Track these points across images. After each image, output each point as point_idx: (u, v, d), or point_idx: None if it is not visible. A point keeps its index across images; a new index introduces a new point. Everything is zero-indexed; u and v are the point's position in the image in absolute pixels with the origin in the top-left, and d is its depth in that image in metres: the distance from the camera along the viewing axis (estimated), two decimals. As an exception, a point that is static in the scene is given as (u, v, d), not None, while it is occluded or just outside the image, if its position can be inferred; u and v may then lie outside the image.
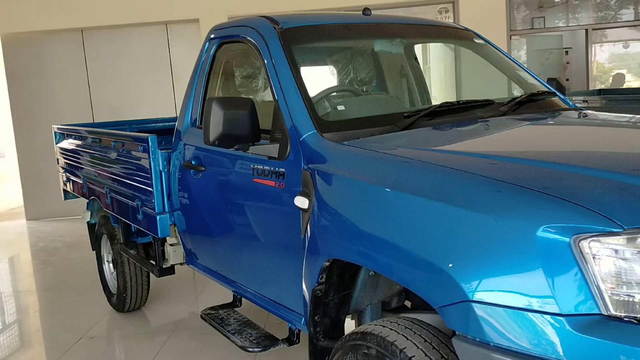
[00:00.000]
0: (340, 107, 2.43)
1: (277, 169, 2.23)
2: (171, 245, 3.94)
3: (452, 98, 3.14)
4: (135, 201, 3.48)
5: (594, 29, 8.79)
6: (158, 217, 3.22)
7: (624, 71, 9.45)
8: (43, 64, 9.03)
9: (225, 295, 4.59)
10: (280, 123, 2.24)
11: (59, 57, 9.02)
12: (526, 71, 3.00)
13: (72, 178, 4.85)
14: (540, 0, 9.02)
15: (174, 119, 6.12)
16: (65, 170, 5.08)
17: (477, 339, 1.38)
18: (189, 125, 3.08)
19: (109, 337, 4.07)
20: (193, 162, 2.91)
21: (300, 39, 2.55)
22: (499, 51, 3.08)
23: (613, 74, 9.24)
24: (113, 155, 3.79)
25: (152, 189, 3.20)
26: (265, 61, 2.45)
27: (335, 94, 2.62)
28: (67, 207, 7.06)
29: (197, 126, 2.98)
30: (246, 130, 2.18)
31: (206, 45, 3.09)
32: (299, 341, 2.50)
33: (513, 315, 1.33)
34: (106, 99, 9.12)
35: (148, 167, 3.21)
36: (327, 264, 1.92)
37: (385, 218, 1.65)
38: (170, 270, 3.63)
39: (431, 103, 3.54)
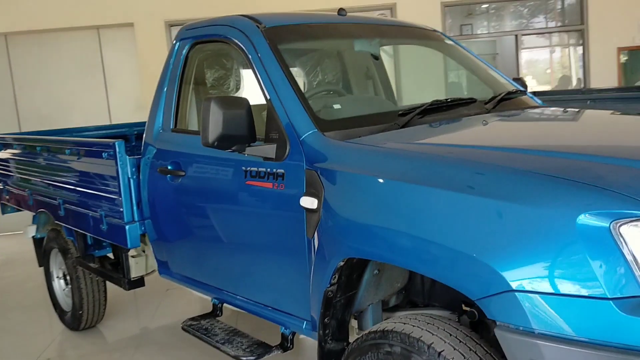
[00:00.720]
0: (337, 106, 2.41)
1: (274, 170, 2.17)
2: (132, 257, 3.78)
3: (424, 98, 3.20)
4: (97, 211, 3.29)
5: (523, 35, 9.25)
6: (127, 227, 3.06)
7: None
8: (-39, 71, 8.43)
9: (189, 305, 4.44)
10: (276, 123, 2.18)
11: (-21, 63, 8.46)
12: (495, 71, 3.09)
13: (14, 190, 4.53)
14: (469, 7, 9.38)
15: (113, 126, 5.92)
16: (5, 183, 4.75)
17: (521, 328, 1.39)
18: (160, 129, 2.95)
19: (67, 358, 3.82)
20: (169, 167, 2.78)
21: (284, 38, 2.50)
22: (469, 52, 3.16)
23: (560, 76, 9.77)
24: (68, 163, 3.57)
25: (121, 197, 3.04)
26: (253, 61, 2.39)
27: (325, 92, 2.59)
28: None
29: (173, 129, 2.87)
30: (244, 131, 2.11)
31: (176, 46, 2.97)
32: (292, 347, 2.45)
33: (557, 301, 1.35)
34: (34, 108, 8.63)
35: (115, 175, 3.04)
36: (342, 263, 1.89)
37: (415, 214, 1.64)
38: (140, 282, 3.46)
39: (396, 101, 3.59)
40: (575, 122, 2.41)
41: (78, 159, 3.47)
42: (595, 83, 9.12)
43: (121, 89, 8.72)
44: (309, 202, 1.99)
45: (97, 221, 3.32)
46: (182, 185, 2.70)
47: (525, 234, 1.41)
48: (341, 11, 2.93)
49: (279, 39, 2.46)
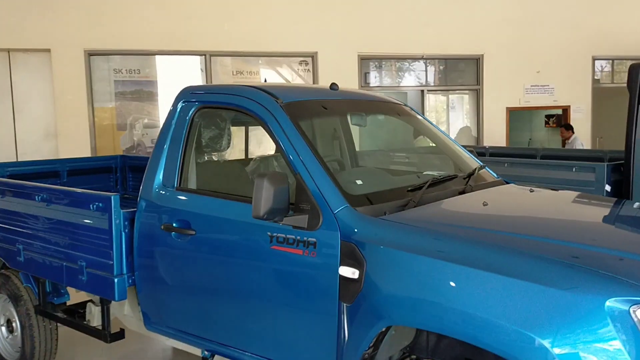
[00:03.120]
0: (359, 181, 2.69)
1: (305, 238, 2.40)
2: (96, 304, 3.74)
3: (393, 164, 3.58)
4: (77, 262, 3.26)
5: (428, 90, 10.15)
6: (116, 280, 3.08)
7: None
8: None
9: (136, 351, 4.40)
10: (306, 195, 2.42)
11: None
12: (455, 143, 3.55)
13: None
14: (383, 61, 10.12)
15: (45, 162, 5.70)
16: None
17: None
18: (161, 187, 3.05)
19: (17, 412, 3.65)
20: (175, 225, 2.89)
21: (301, 113, 2.76)
22: (433, 126, 3.60)
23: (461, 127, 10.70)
24: (38, 210, 3.49)
25: (111, 250, 3.06)
26: (278, 136, 2.62)
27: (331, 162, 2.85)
28: None
29: (177, 188, 2.98)
30: (286, 204, 2.33)
31: (179, 107, 3.10)
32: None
33: None
34: None
35: (107, 228, 3.07)
36: (384, 329, 2.16)
37: (465, 292, 1.97)
38: (121, 334, 3.43)
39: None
40: (563, 206, 2.89)
41: (52, 207, 3.41)
42: (488, 138, 10.21)
43: (31, 115, 8.30)
44: (349, 272, 2.24)
45: (75, 272, 3.28)
46: (191, 243, 2.82)
47: (563, 313, 1.79)
48: (333, 86, 3.24)
49: (298, 114, 2.72)
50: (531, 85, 10.57)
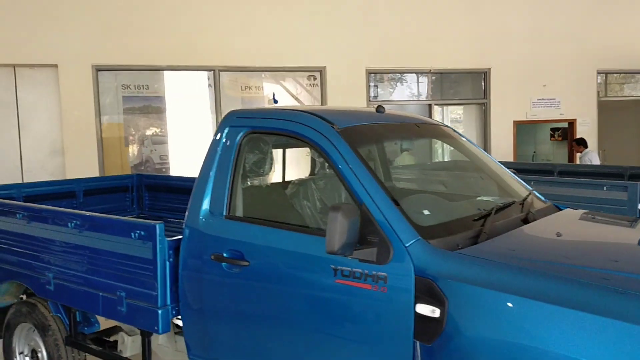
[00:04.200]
0: (426, 212, 2.60)
1: (375, 272, 2.30)
2: (128, 334, 3.63)
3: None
4: (116, 292, 3.13)
5: (436, 104, 10.12)
6: (160, 312, 2.96)
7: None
8: None
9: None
10: (374, 227, 2.32)
11: None
12: (501, 166, 3.47)
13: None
14: (391, 75, 10.08)
15: (60, 182, 5.56)
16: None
17: None
18: (207, 214, 2.94)
19: None
20: (226, 255, 2.78)
21: (358, 139, 2.67)
22: (477, 148, 3.51)
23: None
24: (72, 237, 3.36)
25: (156, 281, 2.94)
26: (338, 163, 2.52)
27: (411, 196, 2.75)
28: None
29: (227, 216, 2.87)
30: (357, 237, 2.23)
31: (225, 131, 3.00)
32: None
33: None
34: None
35: (151, 257, 2.95)
36: None
37: (564, 334, 1.87)
38: (162, 367, 3.31)
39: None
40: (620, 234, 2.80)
41: (87, 234, 3.29)
42: (495, 152, 10.18)
43: (36, 131, 8.16)
44: (427, 310, 2.14)
45: (113, 302, 3.15)
46: (245, 274, 2.71)
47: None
48: (379, 108, 3.15)
49: (356, 140, 2.63)
50: (538, 99, 10.58)
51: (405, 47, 9.64)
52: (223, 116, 3.10)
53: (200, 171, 3.05)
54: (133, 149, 8.56)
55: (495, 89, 10.32)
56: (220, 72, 8.82)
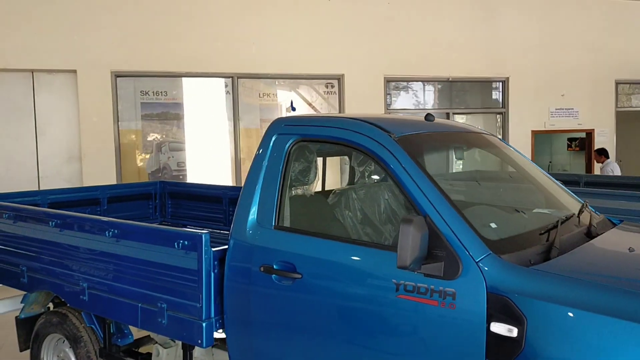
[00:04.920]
0: (493, 225, 2.50)
1: (442, 288, 2.20)
2: (163, 346, 3.53)
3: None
4: (157, 304, 3.04)
5: (454, 113, 10.03)
6: (204, 324, 2.86)
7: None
8: None
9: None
10: (440, 241, 2.23)
11: None
12: (551, 178, 3.37)
13: (-5, 264, 4.02)
14: (408, 83, 10.01)
15: (83, 189, 5.49)
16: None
17: None
18: (255, 224, 2.84)
19: None
20: (276, 267, 2.69)
21: (416, 148, 2.58)
22: (525, 158, 3.41)
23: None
24: (109, 246, 3.26)
25: (201, 292, 2.85)
26: (398, 173, 2.43)
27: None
28: None
29: (276, 227, 2.78)
30: (426, 251, 2.14)
31: (272, 140, 2.91)
32: None
33: None
34: (-53, 152, 7.71)
35: (196, 268, 2.85)
36: None
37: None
38: (203, 382, 3.21)
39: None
40: None
41: (125, 243, 3.20)
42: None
43: (53, 138, 8.09)
44: (503, 330, 2.04)
45: (153, 314, 3.06)
46: (296, 287, 2.61)
47: None
48: (429, 117, 3.06)
49: (414, 149, 2.54)
50: (556, 109, 10.49)
51: (423, 56, 9.57)
52: (270, 124, 3.01)
53: (246, 180, 2.96)
54: (151, 156, 8.48)
55: (513, 98, 10.24)
56: (239, 79, 8.75)
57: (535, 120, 10.36)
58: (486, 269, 2.14)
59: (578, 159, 11.46)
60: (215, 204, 5.52)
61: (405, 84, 9.87)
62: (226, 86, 8.77)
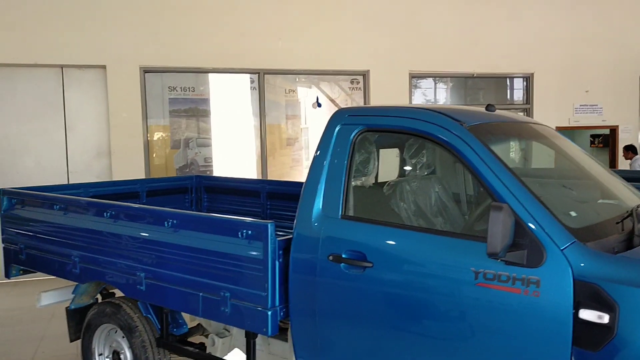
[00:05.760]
0: (573, 213, 2.50)
1: (524, 276, 2.20)
2: (219, 336, 3.56)
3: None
4: (220, 293, 3.05)
5: (479, 109, 9.99)
6: (270, 313, 2.88)
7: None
8: None
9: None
10: (522, 229, 2.23)
11: None
12: (609, 171, 3.35)
13: (46, 255, 4.05)
14: (434, 79, 9.99)
15: (121, 183, 5.52)
16: (24, 244, 4.23)
17: None
18: (320, 214, 2.86)
19: None
20: (345, 256, 2.70)
21: (488, 137, 2.58)
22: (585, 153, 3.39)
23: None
24: (169, 237, 3.28)
25: (266, 282, 2.86)
26: (472, 162, 2.44)
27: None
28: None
29: (343, 216, 2.79)
30: (513, 238, 2.15)
31: (336, 129, 2.92)
32: None
33: None
34: (-21, 147, 7.78)
35: (262, 258, 2.87)
36: None
37: None
38: (267, 371, 3.23)
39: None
40: None
41: (186, 233, 3.22)
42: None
43: (82, 133, 8.15)
44: (593, 316, 2.04)
45: (215, 303, 3.07)
46: (367, 276, 2.62)
47: None
48: (490, 107, 3.07)
49: (486, 138, 2.54)
50: (580, 105, 10.45)
51: (448, 51, 9.56)
52: (332, 115, 3.02)
53: (310, 172, 2.97)
54: (178, 152, 8.53)
55: (537, 94, 10.21)
56: (265, 75, 8.77)
57: (560, 117, 10.32)
58: (572, 256, 2.15)
59: (602, 155, 11.39)
60: (251, 197, 5.55)
61: (430, 79, 9.86)
62: (252, 82, 8.80)
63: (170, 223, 3.29)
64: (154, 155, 8.37)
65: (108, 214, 3.61)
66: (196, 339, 3.98)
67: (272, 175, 8.88)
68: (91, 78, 8.12)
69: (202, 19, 8.33)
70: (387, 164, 2.96)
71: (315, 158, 2.97)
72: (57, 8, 7.74)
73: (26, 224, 4.23)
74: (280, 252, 2.90)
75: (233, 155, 8.87)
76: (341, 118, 2.96)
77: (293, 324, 2.94)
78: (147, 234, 3.39)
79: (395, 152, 2.98)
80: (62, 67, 8.00)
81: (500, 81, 10.28)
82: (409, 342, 2.54)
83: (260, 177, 8.76)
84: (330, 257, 2.73)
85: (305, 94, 9.24)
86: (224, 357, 3.48)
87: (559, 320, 2.13)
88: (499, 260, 2.23)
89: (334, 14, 8.96)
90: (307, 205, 2.91)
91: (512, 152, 3.07)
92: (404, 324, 2.54)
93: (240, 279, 2.97)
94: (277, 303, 2.90)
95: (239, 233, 2.97)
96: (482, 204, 2.65)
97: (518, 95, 10.37)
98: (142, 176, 8.06)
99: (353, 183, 2.97)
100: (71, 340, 4.14)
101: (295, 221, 2.94)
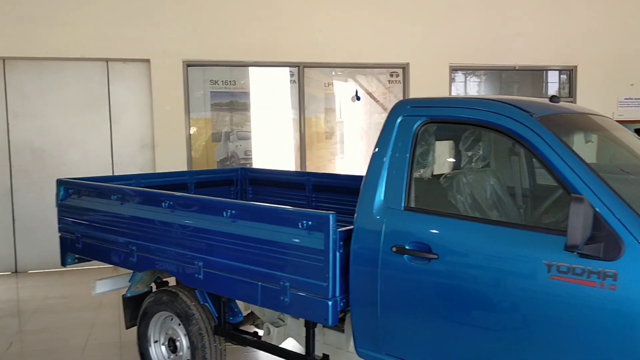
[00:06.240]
0: None
1: (600, 269, 2.17)
2: (274, 325, 3.60)
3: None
4: (280, 282, 3.09)
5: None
6: (330, 303, 2.90)
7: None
8: (-48, 94, 7.66)
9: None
10: (599, 222, 2.20)
11: (-26, 87, 7.73)
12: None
13: (103, 244, 4.15)
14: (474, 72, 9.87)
15: (171, 174, 5.61)
16: (81, 232, 4.34)
17: None
18: (382, 206, 2.86)
19: None
20: (408, 247, 2.70)
21: (558, 129, 2.54)
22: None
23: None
24: (229, 227, 3.33)
25: (327, 272, 2.88)
26: (544, 153, 2.41)
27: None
28: None
29: (406, 208, 2.79)
30: (591, 229, 2.12)
31: (397, 121, 2.92)
32: None
33: None
34: (27, 139, 7.99)
35: (322, 248, 2.89)
36: None
37: None
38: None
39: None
40: None
41: (246, 224, 3.26)
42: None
43: (126, 126, 8.30)
44: (673, 310, 2.00)
45: (275, 292, 3.11)
46: (432, 268, 2.62)
47: None
48: (554, 98, 3.01)
49: (556, 129, 2.51)
50: (625, 98, 10.19)
51: (489, 43, 9.42)
52: (393, 106, 3.01)
53: (371, 162, 2.98)
54: (219, 145, 8.62)
55: (581, 87, 9.99)
56: (304, 68, 8.79)
57: (603, 110, 9.98)
58: None
59: (646, 150, 11.12)
60: (295, 190, 5.58)
61: (470, 72, 9.74)
62: (292, 75, 8.82)
63: (229, 213, 3.33)
64: (195, 148, 8.47)
65: (167, 204, 3.68)
66: (247, 327, 4.04)
67: (310, 168, 8.91)
68: (135, 71, 8.26)
69: (244, 12, 8.38)
70: (443, 156, 2.94)
71: (375, 150, 2.97)
72: (102, 2, 7.88)
73: (83, 213, 4.34)
74: (341, 243, 2.92)
75: (272, 148, 8.93)
76: (403, 110, 2.95)
77: (353, 315, 2.95)
78: (206, 224, 3.44)
79: (450, 144, 2.96)
80: (107, 60, 8.15)
81: (537, 74, 10.09)
82: (475, 336, 2.53)
83: (298, 170, 8.80)
84: (394, 249, 2.73)
85: (343, 87, 9.24)
86: (280, 346, 3.51)
87: (636, 314, 2.09)
88: (574, 253, 2.20)
89: (374, 7, 8.92)
90: (368, 197, 2.92)
91: (583, 143, 3.02)
92: (471, 318, 2.53)
93: (300, 269, 3.00)
94: (337, 293, 2.92)
95: (299, 224, 3.00)
96: (550, 197, 2.62)
97: (554, 88, 10.17)
98: (184, 168, 8.18)
99: (429, 173, 2.97)
100: (127, 327, 4.24)
101: (355, 213, 2.95)
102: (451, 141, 2.95)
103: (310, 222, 2.96)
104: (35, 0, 7.68)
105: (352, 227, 2.95)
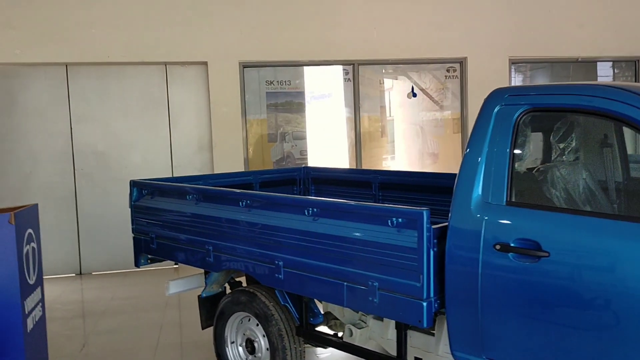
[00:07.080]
0: None
1: None
2: (356, 327, 3.49)
3: None
4: (368, 282, 2.98)
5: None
6: (425, 304, 2.78)
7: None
8: (17, 100, 7.85)
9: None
10: None
11: (37, 93, 7.91)
12: None
13: (178, 245, 4.14)
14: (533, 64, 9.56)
15: (236, 175, 5.58)
16: (157, 235, 4.34)
17: None
18: (480, 201, 2.72)
19: None
20: (514, 245, 2.55)
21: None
22: None
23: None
24: (313, 225, 3.24)
25: (421, 272, 2.75)
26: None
27: None
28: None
29: (508, 203, 2.64)
30: None
31: (495, 110, 2.77)
32: None
33: None
34: (90, 142, 8.13)
35: (415, 247, 2.77)
36: None
37: None
38: (418, 363, 3.14)
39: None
40: None
41: (331, 222, 3.17)
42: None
43: (185, 128, 8.36)
44: None
45: (362, 293, 3.00)
46: (543, 266, 2.46)
47: None
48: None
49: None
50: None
51: (550, 35, 9.09)
52: (488, 95, 2.86)
53: (466, 156, 2.84)
54: (275, 145, 8.59)
55: (646, 79, 9.54)
56: (359, 66, 8.67)
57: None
58: None
59: None
60: (360, 188, 5.47)
61: (530, 65, 9.43)
62: (347, 73, 8.73)
63: (311, 211, 3.25)
64: (252, 149, 8.47)
65: (244, 203, 3.62)
66: (322, 329, 3.95)
67: (366, 167, 8.79)
68: (193, 74, 8.31)
69: (297, 11, 8.33)
70: (545, 146, 2.77)
71: (471, 143, 2.83)
72: (161, 7, 7.97)
73: (157, 214, 4.34)
74: (435, 241, 2.79)
75: (327, 148, 8.85)
76: (499, 99, 2.80)
77: (449, 317, 2.82)
78: (286, 223, 3.37)
79: (539, 135, 2.79)
80: (165, 64, 8.23)
81: (590, 66, 9.66)
82: (592, 340, 2.35)
83: (354, 168, 8.68)
84: (497, 247, 2.59)
85: (396, 84, 9.08)
86: (365, 348, 3.40)
87: None
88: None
89: (429, 1, 8.73)
90: (464, 192, 2.78)
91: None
92: (589, 320, 2.36)
93: (391, 268, 2.88)
94: (432, 294, 2.79)
95: (389, 221, 2.89)
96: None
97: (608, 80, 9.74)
98: (242, 169, 8.18)
99: (533, 165, 2.82)
100: (203, 328, 4.22)
101: (450, 210, 2.82)
102: (552, 131, 2.77)
103: (401, 220, 2.84)
104: (96, 7, 7.82)
105: (446, 224, 2.82)
